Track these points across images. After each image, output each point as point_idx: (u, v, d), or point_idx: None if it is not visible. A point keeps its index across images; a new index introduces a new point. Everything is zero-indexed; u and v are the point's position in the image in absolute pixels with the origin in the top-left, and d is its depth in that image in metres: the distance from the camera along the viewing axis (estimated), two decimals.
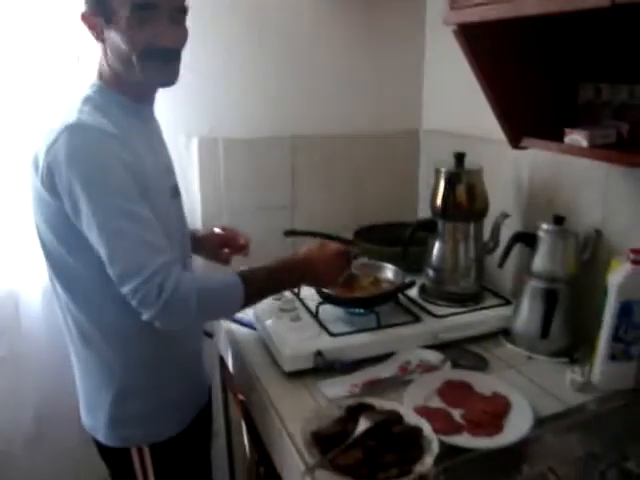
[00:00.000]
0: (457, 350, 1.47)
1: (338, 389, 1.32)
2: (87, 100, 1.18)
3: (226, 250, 1.58)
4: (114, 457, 1.33)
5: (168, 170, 1.35)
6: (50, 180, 1.11)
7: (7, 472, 1.90)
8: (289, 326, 1.49)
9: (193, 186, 1.91)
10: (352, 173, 2.09)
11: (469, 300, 1.63)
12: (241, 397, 1.60)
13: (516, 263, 1.64)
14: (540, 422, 1.19)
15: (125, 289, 1.08)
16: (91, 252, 1.12)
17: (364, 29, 2.00)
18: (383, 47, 2.04)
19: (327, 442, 1.08)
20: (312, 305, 1.57)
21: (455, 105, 1.93)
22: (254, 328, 1.61)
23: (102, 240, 1.08)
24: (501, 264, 1.53)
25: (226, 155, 1.91)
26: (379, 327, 1.47)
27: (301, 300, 1.63)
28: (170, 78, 1.23)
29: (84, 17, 1.19)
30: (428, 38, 2.07)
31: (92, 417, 1.32)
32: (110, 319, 1.22)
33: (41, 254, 1.25)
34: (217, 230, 1.60)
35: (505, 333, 1.54)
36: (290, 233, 1.81)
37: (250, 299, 1.22)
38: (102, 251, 1.09)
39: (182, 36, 1.22)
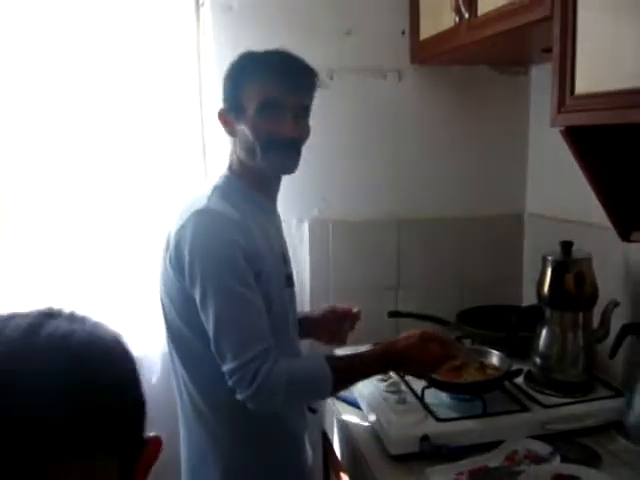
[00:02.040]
0: (566, 442, 1.44)
1: (444, 476, 1.33)
2: (216, 188, 1.32)
3: (345, 325, 1.61)
4: None
5: (285, 259, 1.43)
6: (177, 259, 1.23)
7: None
8: (395, 408, 1.51)
9: (303, 266, 2.02)
10: (457, 255, 2.14)
11: (578, 390, 1.60)
12: (345, 476, 1.63)
13: (627, 353, 1.60)
14: None
15: (225, 368, 1.18)
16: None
17: (467, 115, 2.09)
18: (487, 129, 2.11)
19: None
20: (418, 388, 1.59)
21: (560, 189, 1.94)
22: (359, 407, 1.65)
23: (210, 318, 1.18)
24: (612, 355, 1.50)
25: (335, 237, 2.02)
26: (485, 414, 1.48)
27: (406, 382, 1.65)
28: (289, 166, 1.35)
29: (220, 114, 1.36)
30: (532, 120, 2.11)
31: None
32: (219, 394, 1.28)
33: (162, 324, 1.37)
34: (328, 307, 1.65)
35: (618, 427, 1.50)
36: (394, 314, 1.86)
37: (338, 388, 1.28)
38: (209, 329, 1.19)
39: (303, 130, 1.36)
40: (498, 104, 2.09)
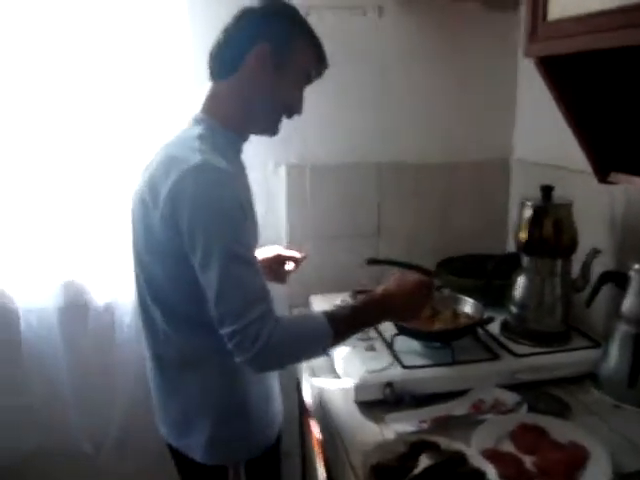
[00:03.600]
0: (536, 392, 1.40)
1: (406, 423, 1.30)
2: (202, 138, 1.20)
3: (289, 267, 1.62)
4: (208, 475, 1.35)
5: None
6: (171, 215, 1.14)
7: (94, 476, 2.01)
8: (362, 355, 1.49)
9: (280, 212, 1.96)
10: (439, 202, 2.07)
11: (554, 340, 1.55)
12: (314, 421, 1.61)
13: (607, 303, 1.54)
14: (620, 478, 1.11)
15: (224, 330, 1.12)
16: (197, 287, 1.16)
17: (454, 55, 1.99)
18: (473, 74, 2.01)
19: (386, 477, 1.07)
20: (388, 336, 1.55)
21: (548, 134, 1.85)
22: (327, 354, 1.62)
23: (212, 281, 1.11)
24: (588, 304, 1.45)
25: (313, 182, 1.95)
26: (454, 362, 1.44)
27: (378, 330, 1.61)
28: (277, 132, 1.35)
29: (262, 49, 1.23)
30: (521, 64, 2.01)
31: (187, 438, 1.34)
32: (208, 344, 1.25)
33: (133, 276, 1.33)
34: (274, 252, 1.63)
35: (592, 378, 1.45)
36: (373, 261, 1.81)
37: (336, 341, 1.23)
38: (209, 291, 1.13)
39: None
40: (486, 43, 1.98)
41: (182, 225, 1.13)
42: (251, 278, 1.15)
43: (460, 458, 1.11)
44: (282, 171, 1.94)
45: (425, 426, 1.29)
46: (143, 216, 1.22)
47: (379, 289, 1.35)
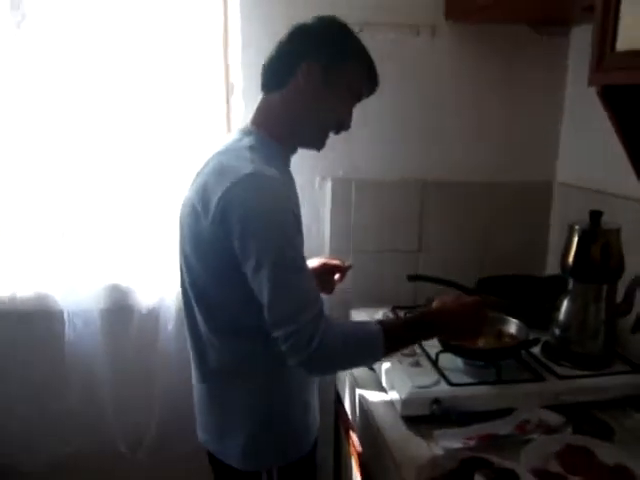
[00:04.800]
0: (579, 415, 1.42)
1: (453, 440, 1.32)
2: (253, 149, 1.24)
3: (336, 277, 1.63)
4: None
5: None
6: (222, 222, 1.17)
7: (129, 478, 2.05)
8: (408, 371, 1.51)
9: (323, 225, 2.00)
10: (480, 221, 2.09)
11: (596, 363, 1.56)
12: (353, 433, 1.64)
13: None
14: None
15: (278, 333, 1.15)
16: (242, 291, 1.20)
17: (502, 78, 2.01)
18: (521, 97, 2.04)
19: None
20: (432, 352, 1.57)
21: (593, 158, 1.88)
22: (372, 368, 1.64)
23: (267, 287, 1.14)
24: (634, 330, 1.46)
25: (358, 196, 1.99)
26: (499, 381, 1.46)
27: (422, 346, 1.64)
28: (323, 147, 1.38)
29: (311, 65, 1.26)
30: (569, 86, 2.03)
31: (224, 444, 1.36)
32: (250, 352, 1.29)
33: (179, 281, 1.37)
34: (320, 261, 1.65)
35: (633, 403, 1.46)
36: (414, 277, 1.83)
37: (388, 352, 1.26)
38: (262, 296, 1.16)
39: None
40: (535, 66, 2.01)
41: (233, 232, 1.16)
42: (303, 282, 1.18)
43: (512, 476, 1.12)
44: (328, 184, 1.98)
45: (472, 443, 1.31)
46: (193, 222, 1.25)
47: (435, 305, 1.38)
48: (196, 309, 1.32)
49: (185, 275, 1.33)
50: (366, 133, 1.92)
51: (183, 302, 1.37)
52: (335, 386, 1.88)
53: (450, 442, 1.31)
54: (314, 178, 1.95)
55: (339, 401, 1.86)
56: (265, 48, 1.33)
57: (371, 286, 2.00)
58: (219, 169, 1.22)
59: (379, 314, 1.83)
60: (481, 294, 1.84)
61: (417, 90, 1.98)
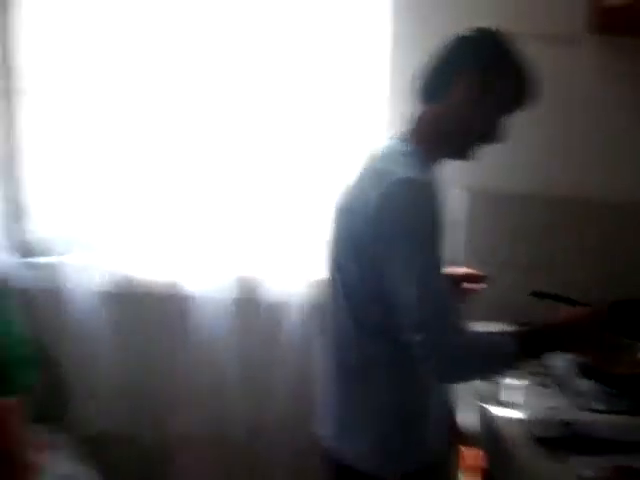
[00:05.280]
0: None
1: (586, 467, 1.30)
2: (406, 155, 1.29)
3: (466, 285, 1.61)
4: None
5: None
6: (377, 224, 1.22)
7: (243, 464, 2.15)
8: (535, 390, 1.51)
9: (457, 236, 1.98)
10: (606, 240, 2.03)
11: None
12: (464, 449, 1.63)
13: None
14: None
15: (417, 337, 1.18)
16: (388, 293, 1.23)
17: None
18: None
19: None
20: (560, 373, 1.56)
21: None
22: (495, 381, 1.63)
23: (409, 289, 1.18)
24: None
25: (494, 209, 1.99)
26: (636, 412, 1.43)
27: (548, 366, 1.62)
28: (469, 158, 1.38)
29: (473, 78, 1.29)
30: None
31: (349, 444, 1.38)
32: (388, 353, 1.31)
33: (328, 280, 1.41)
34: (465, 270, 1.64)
35: None
36: (537, 294, 1.79)
37: (519, 360, 1.27)
38: (405, 299, 1.19)
39: None
40: None
41: (385, 233, 1.20)
42: (444, 290, 1.21)
43: None
44: (465, 195, 1.98)
45: (606, 474, 1.29)
46: (349, 223, 1.30)
47: (549, 319, 1.37)
48: (344, 307, 1.35)
49: (336, 274, 1.37)
50: (504, 145, 1.90)
51: (332, 301, 1.40)
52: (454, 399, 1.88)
53: (583, 469, 1.30)
54: (451, 187, 1.95)
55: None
56: (415, 56, 1.37)
57: (493, 300, 1.95)
58: (377, 173, 1.27)
59: (497, 328, 1.81)
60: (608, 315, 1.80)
61: (562, 104, 1.93)
